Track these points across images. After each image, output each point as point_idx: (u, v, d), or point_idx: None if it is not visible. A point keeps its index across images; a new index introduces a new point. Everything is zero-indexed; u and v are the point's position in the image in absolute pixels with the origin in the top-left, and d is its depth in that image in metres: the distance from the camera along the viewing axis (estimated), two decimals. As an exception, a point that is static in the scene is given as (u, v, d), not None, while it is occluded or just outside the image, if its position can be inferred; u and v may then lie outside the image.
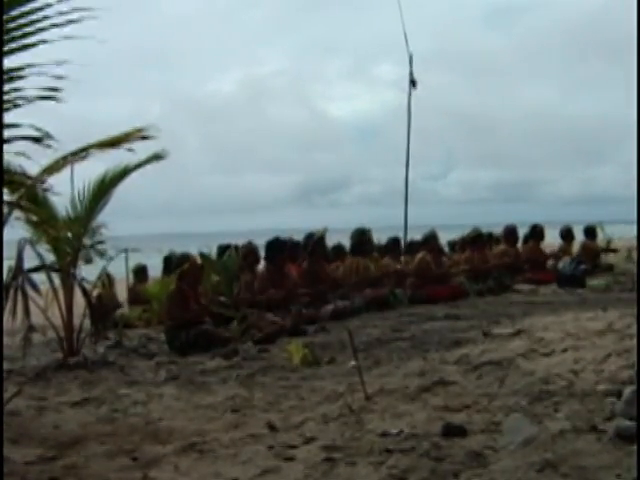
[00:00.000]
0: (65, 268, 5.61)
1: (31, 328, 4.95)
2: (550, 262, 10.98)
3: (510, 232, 10.68)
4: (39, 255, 5.41)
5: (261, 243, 7.77)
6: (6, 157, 3.51)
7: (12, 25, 3.09)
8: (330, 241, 8.93)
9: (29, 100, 3.27)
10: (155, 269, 9.30)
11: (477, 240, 10.18)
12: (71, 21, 3.04)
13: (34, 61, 3.17)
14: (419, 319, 7.03)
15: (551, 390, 3.30)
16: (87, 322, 5.72)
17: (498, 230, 11.06)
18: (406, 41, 8.74)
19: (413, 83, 8.86)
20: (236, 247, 7.51)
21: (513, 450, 2.62)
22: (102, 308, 6.26)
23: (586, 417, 2.86)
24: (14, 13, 3.06)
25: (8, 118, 3.24)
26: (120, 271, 9.01)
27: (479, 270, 9.83)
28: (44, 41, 3.16)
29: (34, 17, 3.09)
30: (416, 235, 9.89)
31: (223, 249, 7.54)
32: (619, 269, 10.97)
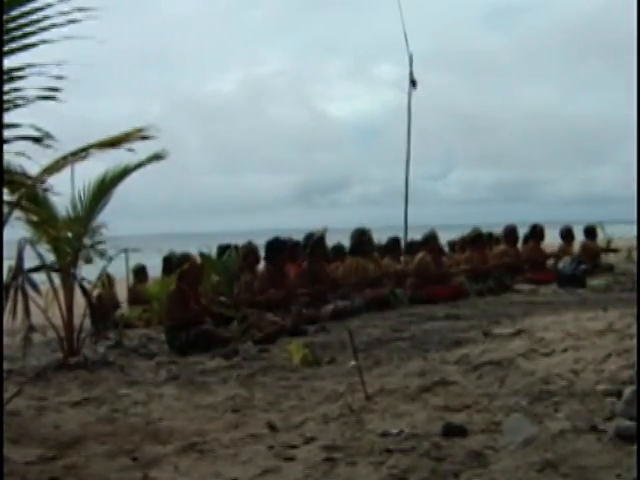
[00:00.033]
0: (65, 268, 5.61)
1: (31, 328, 4.94)
2: (550, 262, 10.98)
3: (510, 232, 10.67)
4: (39, 255, 5.41)
5: (261, 243, 7.77)
6: (6, 157, 3.52)
7: (12, 25, 3.09)
8: (330, 241, 8.92)
9: (29, 100, 3.27)
10: (155, 269, 9.29)
11: (477, 240, 10.18)
12: (71, 21, 3.04)
13: (34, 61, 3.17)
14: (419, 319, 7.02)
15: (551, 390, 3.30)
16: (87, 322, 5.72)
17: (498, 230, 11.05)
18: (406, 41, 8.75)
19: (413, 83, 8.86)
20: (236, 247, 7.52)
21: (513, 450, 2.62)
22: (102, 308, 6.25)
23: (586, 417, 2.86)
24: (14, 13, 3.07)
25: (8, 118, 3.25)
26: (120, 271, 9.02)
27: (479, 270, 9.82)
28: (44, 41, 3.17)
29: (34, 17, 3.09)
30: (416, 235, 9.88)
31: (223, 249, 7.54)
32: (619, 269, 10.97)
